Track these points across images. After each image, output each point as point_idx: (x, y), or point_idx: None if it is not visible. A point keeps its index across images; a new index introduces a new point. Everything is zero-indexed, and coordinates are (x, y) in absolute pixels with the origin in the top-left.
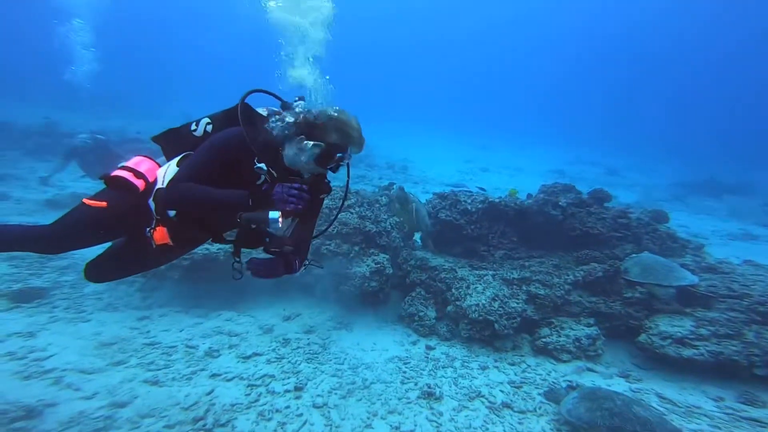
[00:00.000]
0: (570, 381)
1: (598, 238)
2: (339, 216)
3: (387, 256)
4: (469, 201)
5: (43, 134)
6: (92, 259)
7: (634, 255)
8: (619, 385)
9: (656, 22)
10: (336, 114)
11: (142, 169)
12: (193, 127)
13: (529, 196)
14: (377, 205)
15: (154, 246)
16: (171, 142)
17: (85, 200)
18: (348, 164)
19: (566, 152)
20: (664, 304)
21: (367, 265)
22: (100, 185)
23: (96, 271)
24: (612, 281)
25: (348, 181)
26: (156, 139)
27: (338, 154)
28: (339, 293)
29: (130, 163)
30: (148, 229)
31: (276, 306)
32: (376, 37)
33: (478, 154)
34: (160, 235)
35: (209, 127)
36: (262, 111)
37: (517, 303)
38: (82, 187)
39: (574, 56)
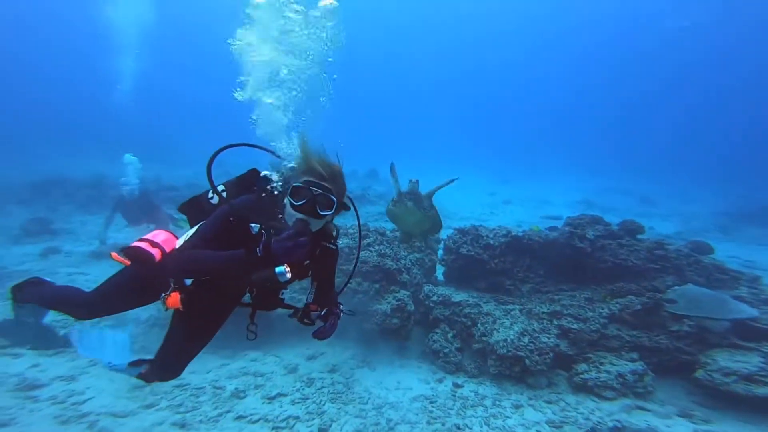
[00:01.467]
0: (618, 420)
1: (632, 270)
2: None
3: (408, 293)
4: (491, 235)
5: (92, 187)
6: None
7: (676, 287)
8: (682, 426)
9: (692, 38)
10: (305, 159)
11: (158, 239)
12: (210, 194)
13: (554, 228)
14: (396, 243)
15: (165, 310)
16: (193, 210)
17: (112, 254)
18: (350, 201)
19: (595, 181)
20: (720, 338)
21: (388, 303)
22: (145, 233)
23: (167, 365)
24: (653, 314)
25: (359, 221)
26: (181, 208)
27: (311, 188)
28: (361, 331)
29: (148, 236)
30: (163, 294)
31: (300, 345)
32: (394, 73)
33: (500, 187)
34: (173, 300)
35: (223, 195)
36: (271, 174)
37: (549, 338)
38: (124, 238)
39: (602, 80)
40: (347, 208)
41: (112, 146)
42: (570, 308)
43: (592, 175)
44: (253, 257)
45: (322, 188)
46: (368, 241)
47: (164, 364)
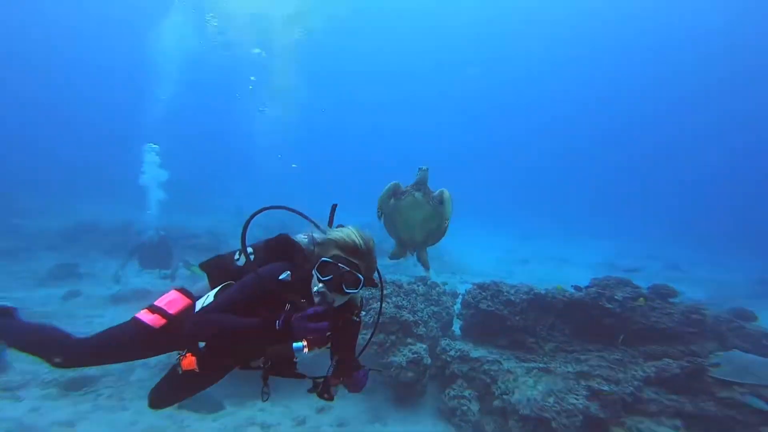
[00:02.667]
0: None
1: (665, 334)
2: (374, 306)
3: (425, 346)
4: (512, 292)
5: (118, 233)
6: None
7: (719, 353)
8: None
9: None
10: (338, 231)
11: (161, 303)
12: (237, 256)
13: (578, 288)
14: (413, 295)
15: (180, 372)
16: (216, 269)
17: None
18: (379, 276)
19: (618, 243)
20: None
21: (404, 355)
22: (159, 280)
23: (157, 396)
24: (695, 379)
25: (382, 296)
26: (203, 266)
27: (339, 264)
28: (374, 383)
29: (157, 302)
30: (178, 355)
31: (311, 395)
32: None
33: (518, 244)
34: (188, 362)
35: (251, 257)
36: (302, 237)
37: (577, 399)
38: (142, 282)
39: (621, 141)
40: (375, 285)
41: (139, 192)
42: (599, 369)
43: (614, 237)
44: (271, 330)
45: (350, 265)
46: (385, 292)
47: (159, 396)
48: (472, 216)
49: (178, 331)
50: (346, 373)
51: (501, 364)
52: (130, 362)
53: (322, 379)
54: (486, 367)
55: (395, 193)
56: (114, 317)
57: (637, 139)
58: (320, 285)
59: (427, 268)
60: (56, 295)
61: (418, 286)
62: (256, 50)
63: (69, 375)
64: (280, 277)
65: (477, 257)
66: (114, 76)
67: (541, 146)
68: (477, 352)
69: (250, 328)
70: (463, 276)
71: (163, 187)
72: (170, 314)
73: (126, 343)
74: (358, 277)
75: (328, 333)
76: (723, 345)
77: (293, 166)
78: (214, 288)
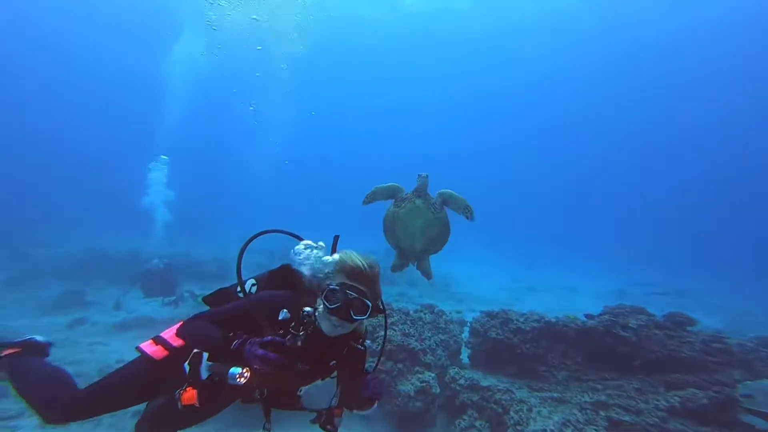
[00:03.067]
0: None
1: (686, 363)
2: (380, 334)
3: (434, 375)
4: (521, 320)
5: (126, 262)
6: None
7: (748, 382)
8: None
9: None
10: (342, 255)
11: (166, 335)
12: (239, 288)
13: (590, 316)
14: (420, 323)
15: (180, 407)
16: (218, 303)
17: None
18: (382, 304)
19: (626, 272)
20: None
21: (412, 384)
22: (164, 307)
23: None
24: (725, 410)
25: (386, 324)
26: (206, 300)
27: (347, 291)
28: (380, 414)
29: (162, 333)
30: (178, 390)
31: (314, 427)
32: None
33: (524, 273)
34: (189, 396)
35: (254, 289)
36: (305, 268)
37: (597, 430)
38: (148, 310)
39: (627, 168)
40: (381, 312)
41: (146, 217)
42: (617, 398)
43: (622, 265)
44: (227, 347)
45: (358, 292)
46: (392, 320)
47: (153, 429)
48: (476, 244)
49: (177, 366)
50: (353, 403)
51: (513, 393)
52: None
53: (325, 410)
54: (498, 396)
55: (395, 198)
56: (119, 345)
57: (644, 166)
58: (328, 314)
59: (429, 277)
60: (61, 322)
61: (424, 314)
62: (259, 47)
63: None
64: (280, 318)
65: (483, 286)
66: (124, 103)
67: (546, 172)
68: (487, 381)
69: (216, 342)
70: (470, 304)
71: (169, 207)
72: (173, 346)
73: (130, 383)
74: (366, 304)
75: (333, 362)
76: (752, 374)
77: (285, 162)
78: None
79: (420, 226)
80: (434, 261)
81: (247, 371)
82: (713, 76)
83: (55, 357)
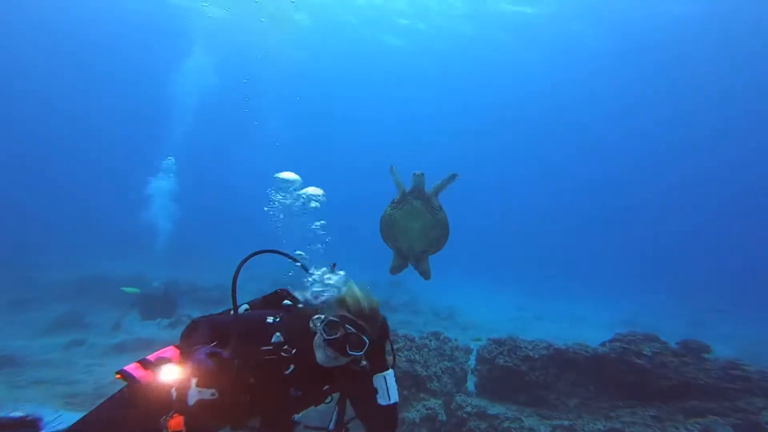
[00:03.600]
0: None
1: (704, 390)
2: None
3: (440, 402)
4: (530, 347)
5: (130, 285)
6: None
7: None
8: None
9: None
10: (347, 290)
11: (154, 358)
12: (232, 313)
13: (604, 344)
14: (426, 350)
15: None
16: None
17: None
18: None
19: (634, 301)
20: None
21: (417, 411)
22: (162, 329)
23: None
24: None
25: (395, 358)
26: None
27: (346, 325)
28: None
29: (150, 356)
30: (164, 417)
31: None
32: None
33: (530, 301)
34: (176, 422)
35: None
36: (300, 294)
37: None
38: (147, 332)
39: (633, 195)
40: (381, 353)
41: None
42: (633, 426)
43: (632, 295)
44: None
45: (356, 327)
46: (397, 346)
47: None
48: (480, 272)
49: (164, 391)
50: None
51: (522, 421)
52: None
53: None
54: (506, 424)
55: (398, 202)
56: (115, 366)
57: (650, 194)
58: (324, 345)
59: (427, 277)
60: (59, 343)
61: (430, 340)
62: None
63: (59, 427)
64: (267, 321)
65: (488, 315)
66: (130, 128)
67: (550, 199)
68: (495, 409)
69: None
70: (475, 333)
71: (173, 222)
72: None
73: (115, 414)
74: (364, 340)
75: (326, 387)
76: None
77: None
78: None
79: (418, 229)
80: (438, 291)
81: (194, 376)
82: (724, 89)
83: (51, 377)
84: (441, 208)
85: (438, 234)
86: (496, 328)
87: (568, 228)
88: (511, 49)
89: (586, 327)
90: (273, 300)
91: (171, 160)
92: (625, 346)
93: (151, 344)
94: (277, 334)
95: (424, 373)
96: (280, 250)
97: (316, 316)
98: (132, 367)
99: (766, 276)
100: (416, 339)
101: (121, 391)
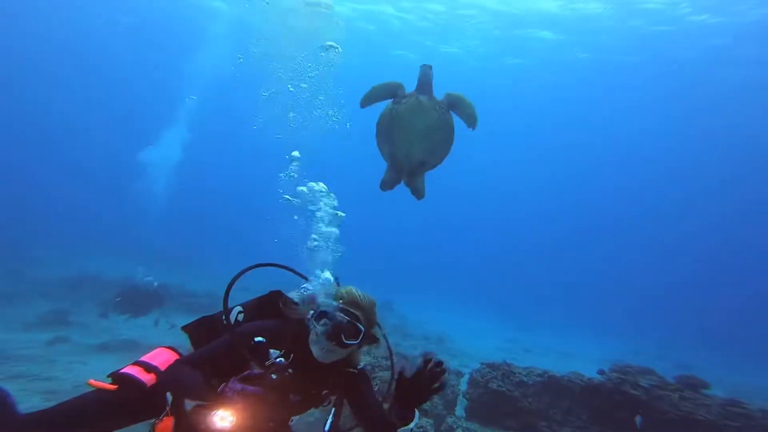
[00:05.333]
0: None
1: (703, 425)
2: (379, 375)
3: (431, 421)
4: (524, 373)
5: (119, 285)
6: None
7: None
8: None
9: None
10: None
11: (155, 362)
12: (224, 317)
13: (601, 372)
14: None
15: None
16: (202, 331)
17: (91, 381)
18: (382, 334)
19: (622, 342)
20: None
21: (409, 429)
22: (149, 331)
23: None
24: None
25: (391, 355)
26: (186, 328)
27: (338, 314)
28: None
29: (146, 357)
30: (154, 419)
31: None
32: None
33: (518, 334)
34: (164, 426)
35: (240, 317)
36: (295, 293)
37: None
38: (135, 335)
39: (622, 235)
40: (375, 341)
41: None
42: None
43: (620, 335)
44: (211, 391)
45: (350, 315)
46: (388, 363)
47: None
48: (471, 304)
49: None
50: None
51: None
52: None
53: None
54: None
55: (394, 95)
56: (97, 365)
57: (640, 234)
58: (317, 338)
59: (420, 197)
60: (41, 339)
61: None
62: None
63: None
64: (255, 340)
65: (478, 344)
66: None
67: (538, 235)
68: None
69: (198, 386)
70: (464, 359)
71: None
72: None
73: (98, 409)
74: (359, 328)
75: (325, 391)
76: None
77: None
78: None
79: (422, 128)
80: (428, 317)
81: (231, 413)
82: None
83: (30, 372)
84: (448, 110)
85: (442, 137)
86: (485, 356)
87: (560, 263)
88: None
89: (573, 361)
90: (267, 302)
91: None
92: (622, 377)
93: (137, 346)
94: (271, 351)
95: None
96: (283, 264)
97: (310, 312)
98: (134, 370)
99: (753, 327)
100: (408, 357)
101: (105, 390)
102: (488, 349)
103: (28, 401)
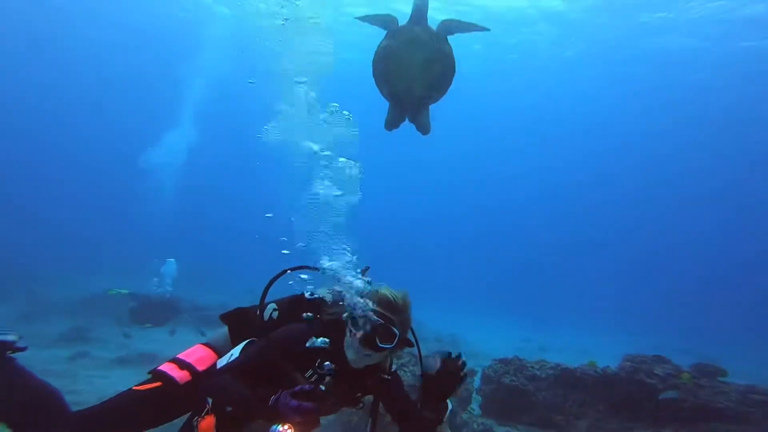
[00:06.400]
0: None
1: (723, 413)
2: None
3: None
4: (537, 367)
5: (132, 300)
6: None
7: None
8: None
9: None
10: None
11: (191, 359)
12: (259, 311)
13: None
14: None
15: None
16: (238, 323)
17: (135, 388)
18: (414, 336)
19: (643, 338)
20: None
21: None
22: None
23: None
24: None
25: (420, 356)
26: (224, 317)
27: (375, 319)
28: None
29: (181, 355)
30: (196, 417)
31: None
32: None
33: (535, 334)
34: (207, 424)
35: (275, 314)
36: (327, 293)
37: None
38: (152, 348)
39: (639, 228)
40: (410, 344)
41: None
42: None
43: (640, 332)
44: (263, 406)
45: (384, 319)
46: (403, 361)
47: None
48: (485, 304)
49: (197, 390)
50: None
51: None
52: None
53: None
54: None
55: (395, 30)
56: (118, 378)
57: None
58: (352, 342)
59: (426, 132)
60: (63, 355)
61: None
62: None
63: None
64: (317, 344)
65: (492, 344)
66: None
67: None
68: (501, 429)
69: (248, 401)
70: (478, 360)
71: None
72: (198, 371)
73: (141, 407)
74: (393, 332)
75: (360, 405)
76: None
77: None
78: (236, 342)
79: (420, 61)
80: (442, 319)
81: (288, 427)
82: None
83: (53, 386)
84: (446, 39)
85: (441, 70)
86: (500, 356)
87: (576, 260)
88: None
89: (591, 359)
90: (301, 300)
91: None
92: (636, 365)
93: (155, 359)
94: (325, 339)
95: None
96: (312, 266)
97: (345, 315)
98: (168, 367)
99: None
100: (428, 356)
101: (149, 389)
102: (503, 348)
103: None
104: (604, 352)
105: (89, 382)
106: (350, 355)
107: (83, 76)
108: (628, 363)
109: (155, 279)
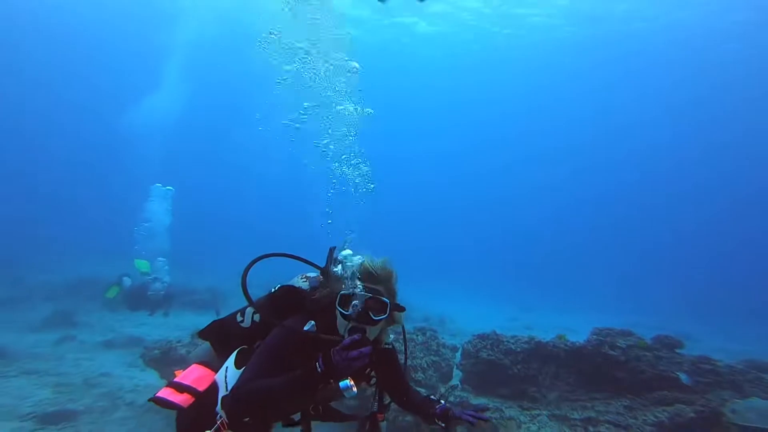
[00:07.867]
0: None
1: (676, 382)
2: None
3: (423, 391)
4: (512, 341)
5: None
6: None
7: (738, 400)
8: None
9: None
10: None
11: (188, 381)
12: (239, 317)
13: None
14: (412, 344)
15: None
16: (219, 336)
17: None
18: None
19: (622, 316)
20: None
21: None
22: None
23: None
24: (713, 425)
25: (404, 331)
26: (202, 335)
27: (363, 293)
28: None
29: (178, 378)
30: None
31: None
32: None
33: (520, 314)
34: None
35: (256, 317)
36: (302, 282)
37: None
38: (139, 332)
39: (624, 210)
40: (401, 309)
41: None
42: (607, 414)
43: (619, 311)
44: (314, 375)
45: (372, 291)
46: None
47: None
48: (473, 286)
49: (205, 408)
50: (409, 404)
51: (503, 411)
52: (115, 399)
53: (369, 416)
54: (488, 414)
55: None
56: (104, 361)
57: (641, 208)
58: (346, 321)
59: None
60: (49, 339)
61: (417, 335)
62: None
63: (50, 410)
64: (305, 329)
65: (478, 324)
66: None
67: (539, 215)
68: (477, 400)
69: (295, 382)
70: (463, 338)
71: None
72: (199, 391)
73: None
74: (384, 301)
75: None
76: (740, 396)
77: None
78: (223, 355)
79: None
80: (430, 299)
81: (350, 380)
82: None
83: (40, 369)
84: None
85: None
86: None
87: (562, 242)
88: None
89: (575, 336)
90: (280, 297)
91: (171, 189)
92: (602, 339)
93: (141, 342)
94: (311, 322)
95: (410, 363)
96: (287, 253)
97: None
98: (166, 393)
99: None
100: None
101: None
102: (489, 327)
103: (40, 394)
104: (588, 331)
105: (76, 365)
106: (348, 331)
107: (62, 49)
108: (595, 336)
109: (150, 277)
